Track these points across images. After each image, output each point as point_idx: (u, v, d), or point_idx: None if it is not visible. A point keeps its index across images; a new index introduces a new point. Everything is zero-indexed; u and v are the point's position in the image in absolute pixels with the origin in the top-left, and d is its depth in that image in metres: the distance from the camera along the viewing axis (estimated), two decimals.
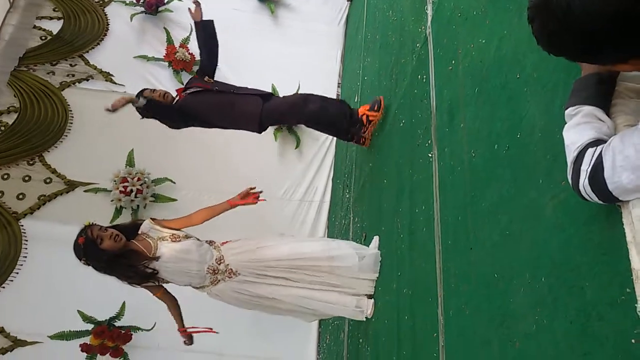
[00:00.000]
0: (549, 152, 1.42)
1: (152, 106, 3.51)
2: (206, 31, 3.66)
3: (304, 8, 6.42)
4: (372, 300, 2.98)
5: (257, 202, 3.16)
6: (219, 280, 2.91)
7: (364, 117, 3.54)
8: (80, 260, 2.83)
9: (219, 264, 2.90)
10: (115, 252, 2.76)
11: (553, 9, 0.91)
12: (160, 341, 4.55)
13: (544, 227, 1.40)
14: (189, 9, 3.66)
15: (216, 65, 3.76)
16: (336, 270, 2.97)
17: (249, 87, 3.82)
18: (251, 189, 3.16)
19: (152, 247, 2.83)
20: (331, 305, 2.97)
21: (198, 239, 2.96)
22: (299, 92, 5.42)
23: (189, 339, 3.16)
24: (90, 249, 2.75)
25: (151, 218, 3.00)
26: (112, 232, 2.79)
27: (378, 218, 3.23)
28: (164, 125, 3.71)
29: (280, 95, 3.94)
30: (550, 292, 1.34)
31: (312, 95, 3.64)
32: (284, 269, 2.95)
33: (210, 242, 2.99)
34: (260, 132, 3.70)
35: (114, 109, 3.57)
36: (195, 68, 5.63)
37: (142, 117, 3.61)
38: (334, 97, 5.84)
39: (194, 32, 5.64)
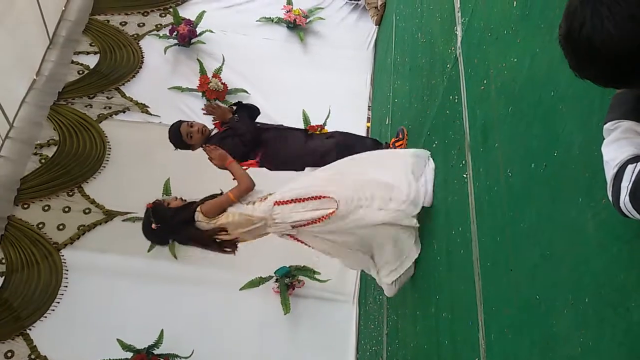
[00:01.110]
0: (588, 170, 1.39)
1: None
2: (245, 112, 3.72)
3: (333, 34, 6.49)
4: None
5: None
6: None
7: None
8: (149, 231, 2.95)
9: None
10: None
11: (577, 42, 0.92)
12: None
13: (586, 247, 1.37)
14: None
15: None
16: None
17: (280, 122, 3.93)
18: None
19: None
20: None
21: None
22: (330, 116, 5.48)
23: None
24: (160, 210, 2.93)
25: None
26: (177, 196, 3.03)
27: None
28: (198, 154, 3.78)
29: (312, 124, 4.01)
30: (595, 314, 1.30)
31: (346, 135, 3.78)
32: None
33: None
34: (302, 170, 3.77)
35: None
36: (229, 97, 5.74)
37: (176, 149, 3.69)
38: (365, 120, 5.90)
39: (226, 63, 5.81)
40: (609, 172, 1.10)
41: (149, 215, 2.93)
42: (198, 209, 2.90)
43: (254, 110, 3.79)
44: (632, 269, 1.19)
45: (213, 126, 3.75)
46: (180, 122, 3.67)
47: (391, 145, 3.72)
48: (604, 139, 1.16)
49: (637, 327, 1.15)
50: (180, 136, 3.60)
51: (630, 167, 1.04)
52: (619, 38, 0.84)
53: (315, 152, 3.68)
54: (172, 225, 2.94)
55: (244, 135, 3.57)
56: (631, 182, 1.02)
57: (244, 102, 3.73)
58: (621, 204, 1.05)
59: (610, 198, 1.09)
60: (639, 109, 1.13)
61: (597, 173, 1.33)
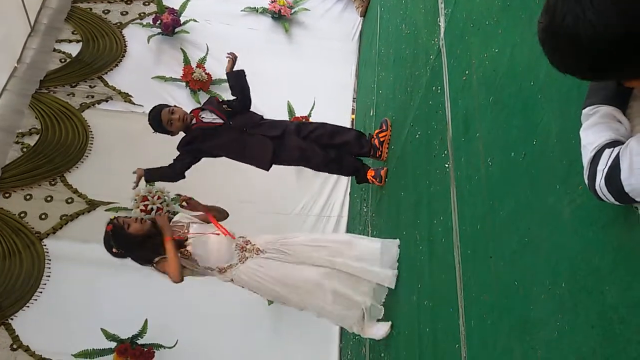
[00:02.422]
0: (565, 158, 1.42)
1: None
2: (238, 80, 3.70)
3: (318, 25, 6.48)
4: (390, 322, 3.01)
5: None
6: (247, 258, 3.01)
7: (376, 141, 3.70)
8: (111, 251, 2.97)
9: (247, 245, 3.08)
10: (143, 235, 2.93)
11: (558, 34, 0.92)
12: (182, 359, 4.56)
13: (563, 233, 1.40)
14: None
15: (249, 106, 3.81)
16: (355, 250, 3.09)
17: (265, 113, 3.90)
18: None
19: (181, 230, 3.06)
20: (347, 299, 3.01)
21: None
22: (315, 107, 5.48)
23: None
24: (118, 234, 2.92)
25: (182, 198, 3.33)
26: (138, 217, 3.01)
27: (396, 230, 3.23)
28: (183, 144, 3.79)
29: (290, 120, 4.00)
30: (571, 298, 1.33)
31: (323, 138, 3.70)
32: (307, 246, 3.08)
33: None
34: (267, 170, 3.77)
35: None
36: (213, 87, 5.71)
37: (155, 132, 3.72)
38: (350, 111, 5.90)
39: (210, 53, 5.78)
40: (586, 156, 1.12)
41: (109, 239, 2.96)
42: (155, 264, 2.95)
43: (243, 103, 3.77)
44: (606, 252, 1.22)
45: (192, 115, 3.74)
46: (161, 107, 3.65)
47: (375, 137, 3.73)
48: (581, 124, 1.18)
49: (610, 310, 1.18)
50: (161, 122, 3.59)
51: (607, 151, 1.07)
52: (603, 26, 0.85)
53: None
54: (131, 254, 3.00)
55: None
56: (607, 166, 1.05)
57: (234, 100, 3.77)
58: (596, 187, 1.08)
59: (586, 181, 1.12)
60: (618, 95, 1.15)
61: (574, 161, 1.36)
